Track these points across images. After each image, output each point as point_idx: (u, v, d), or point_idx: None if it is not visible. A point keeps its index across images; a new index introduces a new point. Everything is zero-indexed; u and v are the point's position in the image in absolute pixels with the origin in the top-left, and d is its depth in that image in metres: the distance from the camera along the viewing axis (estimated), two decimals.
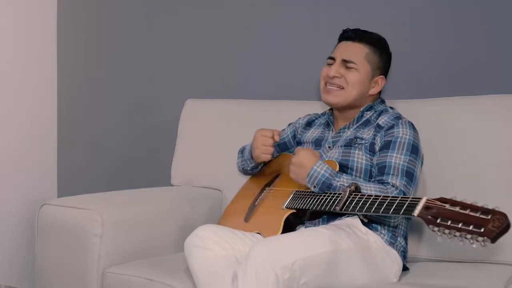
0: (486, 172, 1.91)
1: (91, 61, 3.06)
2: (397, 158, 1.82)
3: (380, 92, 2.04)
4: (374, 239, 1.77)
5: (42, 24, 3.06)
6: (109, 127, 3.02)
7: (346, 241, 1.67)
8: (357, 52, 1.96)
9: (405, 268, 1.85)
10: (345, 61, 1.95)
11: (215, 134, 2.49)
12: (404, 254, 1.85)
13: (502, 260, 1.87)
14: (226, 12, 2.69)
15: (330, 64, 1.99)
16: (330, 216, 1.84)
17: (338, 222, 1.82)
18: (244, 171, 2.22)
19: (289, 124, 2.21)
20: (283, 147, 2.17)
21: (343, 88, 1.95)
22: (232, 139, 2.43)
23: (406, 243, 1.88)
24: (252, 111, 2.46)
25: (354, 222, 1.80)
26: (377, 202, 1.55)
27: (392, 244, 1.81)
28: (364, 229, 1.78)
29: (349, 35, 2.00)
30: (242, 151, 2.19)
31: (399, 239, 1.84)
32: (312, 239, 1.61)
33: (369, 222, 1.81)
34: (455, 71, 2.22)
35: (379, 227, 1.82)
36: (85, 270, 1.97)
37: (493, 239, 1.25)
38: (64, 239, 2.02)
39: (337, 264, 1.63)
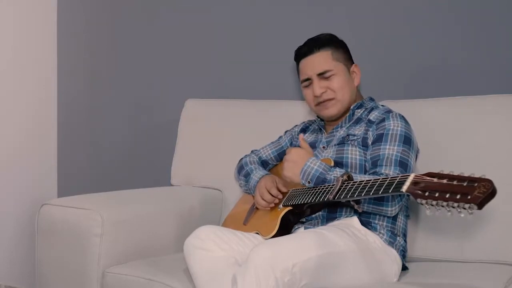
0: (486, 172, 1.88)
1: (91, 61, 3.07)
2: (390, 150, 1.82)
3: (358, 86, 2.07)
4: (373, 239, 1.77)
5: (42, 24, 3.06)
6: (109, 127, 3.03)
7: (346, 241, 1.67)
8: (324, 59, 1.99)
9: (404, 268, 1.85)
10: (321, 74, 1.98)
11: (215, 134, 2.49)
12: (403, 254, 1.85)
13: (502, 260, 1.87)
14: (226, 12, 2.70)
15: (307, 86, 2.03)
16: (329, 216, 1.85)
17: (336, 222, 1.82)
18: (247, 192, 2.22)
19: (286, 132, 2.23)
20: (282, 155, 2.17)
21: (334, 98, 1.98)
22: (232, 139, 2.43)
23: (405, 242, 1.88)
24: (252, 111, 2.46)
25: (352, 222, 1.80)
26: (368, 186, 1.56)
27: (391, 243, 1.81)
28: (363, 229, 1.79)
29: (304, 50, 2.03)
30: (246, 175, 2.16)
31: (398, 238, 1.84)
32: (312, 241, 1.61)
33: (367, 214, 1.81)
34: (455, 71, 2.22)
35: (378, 227, 1.82)
36: (85, 270, 1.97)
37: (479, 205, 1.26)
38: (64, 239, 2.02)
39: (337, 265, 1.63)
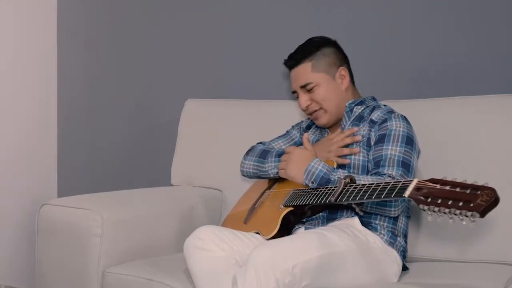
0: (486, 172, 1.90)
1: (91, 61, 3.06)
2: (392, 150, 1.82)
3: (353, 82, 2.05)
4: (374, 240, 1.77)
5: (42, 24, 3.06)
6: (109, 127, 3.02)
7: (346, 242, 1.67)
8: (304, 72, 1.99)
9: (404, 268, 1.85)
10: (303, 87, 2.00)
11: (215, 134, 2.49)
12: (404, 254, 1.85)
13: (502, 260, 1.87)
14: (226, 12, 2.69)
15: (297, 97, 2.05)
16: (329, 216, 1.85)
17: (337, 222, 1.82)
18: (259, 175, 2.09)
19: (293, 126, 2.21)
20: None
21: (320, 108, 1.99)
22: (232, 139, 2.43)
23: (405, 242, 1.88)
24: (252, 111, 2.46)
25: (353, 222, 1.80)
26: (371, 189, 1.56)
27: (391, 244, 1.81)
28: (363, 229, 1.79)
29: (288, 64, 2.05)
30: (279, 154, 2.01)
31: (398, 239, 1.84)
32: (312, 241, 1.61)
33: (367, 214, 1.81)
34: (455, 71, 2.22)
35: (378, 227, 1.82)
36: (85, 270, 1.97)
37: (482, 213, 1.26)
38: (64, 239, 2.02)
39: (338, 266, 1.63)
